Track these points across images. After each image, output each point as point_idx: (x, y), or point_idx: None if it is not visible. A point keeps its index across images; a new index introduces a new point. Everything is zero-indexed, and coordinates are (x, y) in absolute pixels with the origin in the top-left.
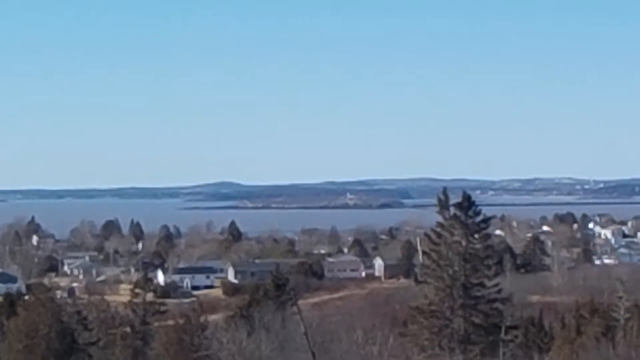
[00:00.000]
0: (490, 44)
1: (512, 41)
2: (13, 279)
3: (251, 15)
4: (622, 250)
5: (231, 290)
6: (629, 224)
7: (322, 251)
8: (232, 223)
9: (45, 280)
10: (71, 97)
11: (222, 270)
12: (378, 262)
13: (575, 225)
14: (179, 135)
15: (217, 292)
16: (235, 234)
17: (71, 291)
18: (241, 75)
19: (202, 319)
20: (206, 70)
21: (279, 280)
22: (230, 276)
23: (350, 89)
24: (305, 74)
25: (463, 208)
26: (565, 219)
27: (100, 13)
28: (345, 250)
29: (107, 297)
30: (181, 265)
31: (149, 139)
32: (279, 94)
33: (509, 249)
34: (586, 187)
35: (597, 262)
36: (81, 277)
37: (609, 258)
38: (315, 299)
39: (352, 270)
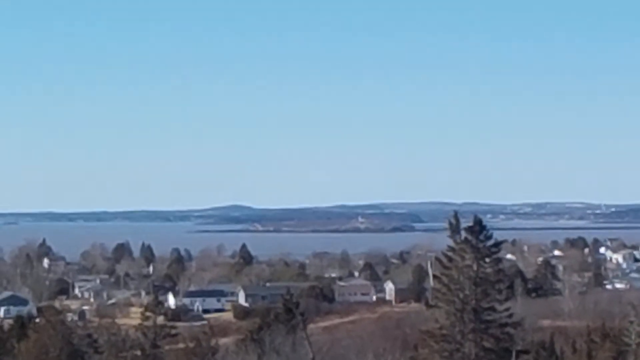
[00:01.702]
0: (501, 66)
1: (525, 64)
2: (24, 302)
3: (267, 32)
4: (634, 274)
5: (242, 313)
6: None
7: (333, 275)
8: (243, 246)
9: (56, 303)
10: (82, 119)
11: (232, 294)
12: (389, 286)
13: (586, 250)
14: (191, 158)
15: (228, 316)
16: (246, 257)
17: (82, 314)
18: (253, 98)
19: (212, 342)
20: (218, 93)
21: (289, 304)
22: (241, 299)
23: (360, 112)
24: (316, 98)
25: (474, 232)
26: (576, 244)
27: (111, 25)
28: (356, 274)
29: (118, 320)
30: (192, 289)
31: (160, 162)
32: (290, 117)
33: (520, 273)
34: (597, 211)
35: (609, 286)
36: (92, 300)
37: (621, 282)
38: (326, 323)
39: (363, 294)
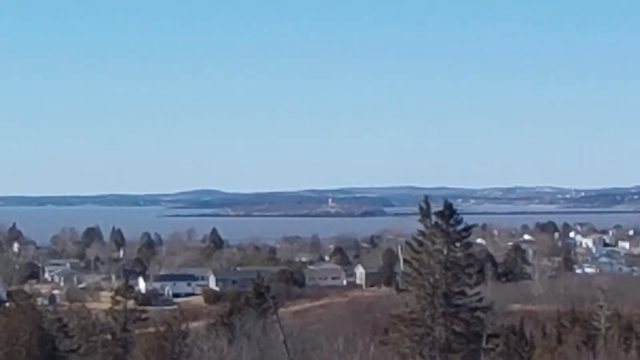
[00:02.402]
0: (472, 53)
1: (494, 50)
2: None
3: (232, 20)
4: (603, 259)
5: (212, 297)
6: (610, 232)
7: (304, 259)
8: (214, 231)
9: (26, 288)
10: (52, 103)
11: (203, 278)
12: (359, 270)
13: (556, 234)
14: (161, 143)
15: (199, 300)
16: (216, 242)
17: (52, 298)
18: (222, 83)
19: (183, 326)
20: (187, 77)
21: (260, 288)
22: (212, 284)
23: (330, 96)
24: (285, 81)
25: (444, 216)
26: (546, 228)
27: (77, 17)
28: (327, 258)
29: (88, 305)
30: (162, 273)
31: (131, 146)
32: (260, 102)
33: (490, 258)
34: (567, 196)
35: (578, 270)
36: (62, 284)
37: (590, 267)
38: (297, 307)
39: (334, 278)
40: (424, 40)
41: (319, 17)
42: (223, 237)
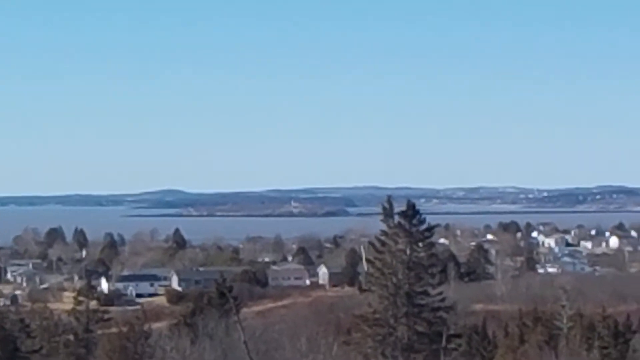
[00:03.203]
0: (433, 53)
1: (454, 50)
2: None
3: (193, 20)
4: (566, 258)
5: (175, 298)
6: (572, 232)
7: (267, 259)
8: (177, 231)
9: None
10: (13, 102)
11: (166, 278)
12: (322, 271)
13: (519, 234)
14: (124, 143)
15: (161, 300)
16: (179, 242)
17: (14, 299)
18: (185, 83)
19: (145, 326)
20: (150, 78)
21: (222, 288)
22: (175, 284)
23: (293, 96)
24: (248, 81)
25: (407, 216)
26: (509, 228)
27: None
28: (290, 258)
29: (51, 305)
30: (125, 273)
31: (94, 146)
32: (223, 102)
33: (453, 258)
34: (530, 196)
35: (541, 270)
36: (24, 284)
37: (553, 266)
38: (260, 307)
39: (297, 278)
40: (382, 39)
41: (283, 16)
42: (186, 237)
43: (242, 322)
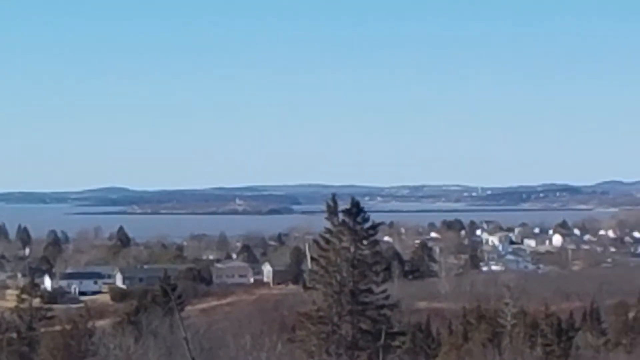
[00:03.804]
0: (382, 48)
1: (399, 49)
2: None
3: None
4: (509, 256)
5: (119, 295)
6: (516, 230)
7: (211, 257)
8: (121, 228)
9: None
10: None
11: (110, 276)
12: (267, 268)
13: (462, 232)
14: (67, 140)
15: (105, 298)
16: (123, 240)
17: None
18: (127, 81)
19: (89, 324)
20: (92, 76)
21: (166, 286)
22: (119, 282)
23: (238, 94)
24: (194, 79)
25: (351, 214)
26: (453, 226)
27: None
28: (234, 256)
29: None
30: (69, 271)
31: (37, 143)
32: (167, 99)
33: (397, 255)
34: (474, 194)
35: (485, 268)
36: None
37: (496, 264)
38: (204, 305)
39: (241, 276)
40: (327, 35)
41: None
42: (130, 235)
43: (186, 320)
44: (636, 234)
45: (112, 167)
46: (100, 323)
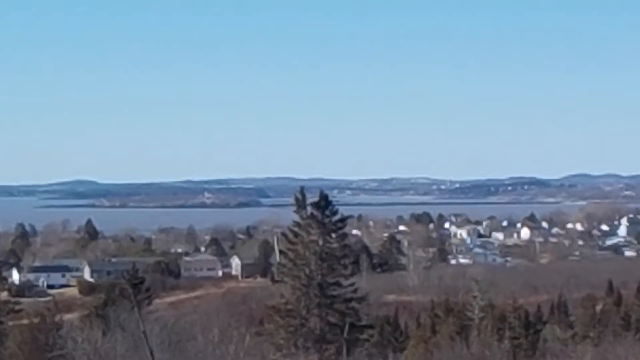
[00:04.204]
0: (342, 42)
1: (370, 44)
2: None
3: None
4: (477, 249)
5: (87, 289)
6: (484, 223)
7: (179, 250)
8: (89, 221)
9: None
10: None
11: (78, 269)
12: (235, 261)
13: (431, 225)
14: (35, 132)
15: (73, 291)
16: (91, 233)
17: None
18: (95, 74)
19: (57, 318)
20: (59, 70)
21: (135, 279)
22: (87, 275)
23: (207, 87)
24: (161, 71)
25: (320, 207)
26: (421, 219)
27: None
28: (203, 249)
29: None
30: (37, 264)
31: (4, 136)
32: (135, 92)
33: (366, 249)
34: (442, 187)
35: (453, 261)
36: None
37: (464, 257)
38: (172, 298)
39: (209, 269)
40: (295, 29)
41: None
42: (98, 228)
43: (154, 313)
44: (604, 227)
45: (81, 160)
46: (68, 316)
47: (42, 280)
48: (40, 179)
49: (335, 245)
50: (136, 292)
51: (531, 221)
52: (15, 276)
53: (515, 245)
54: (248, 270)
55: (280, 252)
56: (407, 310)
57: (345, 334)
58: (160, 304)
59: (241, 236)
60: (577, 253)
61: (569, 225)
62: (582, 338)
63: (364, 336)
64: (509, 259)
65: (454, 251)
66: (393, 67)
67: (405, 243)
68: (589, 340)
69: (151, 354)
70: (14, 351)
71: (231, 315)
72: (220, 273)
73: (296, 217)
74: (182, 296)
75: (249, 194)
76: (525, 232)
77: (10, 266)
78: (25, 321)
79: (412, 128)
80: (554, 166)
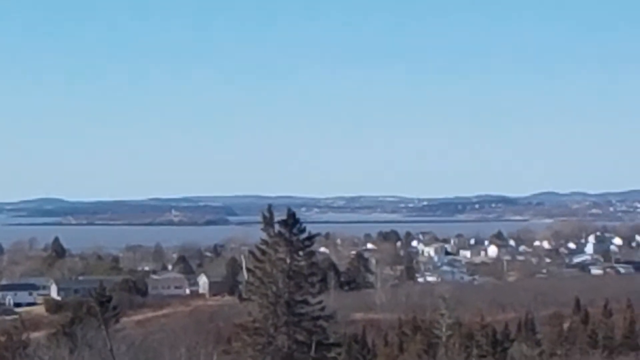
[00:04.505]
0: (317, 62)
1: (332, 58)
2: None
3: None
4: (445, 267)
5: (54, 307)
6: (452, 241)
7: (147, 268)
8: (56, 239)
9: None
10: None
11: (45, 287)
12: (202, 280)
13: (398, 243)
14: (1, 151)
15: (40, 310)
16: (58, 251)
17: None
18: (64, 90)
19: (24, 336)
20: (27, 84)
21: (102, 298)
22: (54, 293)
23: (171, 103)
24: (126, 87)
25: (288, 225)
26: (389, 237)
27: None
28: (170, 267)
29: None
30: (3, 282)
31: None
32: (101, 109)
33: (334, 266)
34: (410, 205)
35: (420, 279)
36: None
37: (432, 275)
38: (139, 317)
39: (177, 287)
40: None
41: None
42: (65, 246)
43: (122, 332)
44: (571, 245)
45: (47, 178)
46: (35, 335)
47: (9, 298)
48: (7, 197)
49: (302, 263)
50: (103, 310)
51: (498, 239)
52: None
53: (483, 263)
54: (215, 289)
55: (248, 270)
56: (374, 328)
57: (312, 353)
58: (128, 322)
59: (209, 254)
60: (544, 271)
61: (536, 243)
62: (550, 356)
63: (332, 354)
64: (476, 276)
65: (422, 269)
66: (360, 85)
67: (373, 261)
68: (556, 358)
69: None
70: None
71: (198, 333)
72: (187, 291)
73: (264, 235)
74: (150, 314)
75: (217, 212)
76: (492, 250)
77: None
78: None
79: (379, 146)
80: (521, 184)
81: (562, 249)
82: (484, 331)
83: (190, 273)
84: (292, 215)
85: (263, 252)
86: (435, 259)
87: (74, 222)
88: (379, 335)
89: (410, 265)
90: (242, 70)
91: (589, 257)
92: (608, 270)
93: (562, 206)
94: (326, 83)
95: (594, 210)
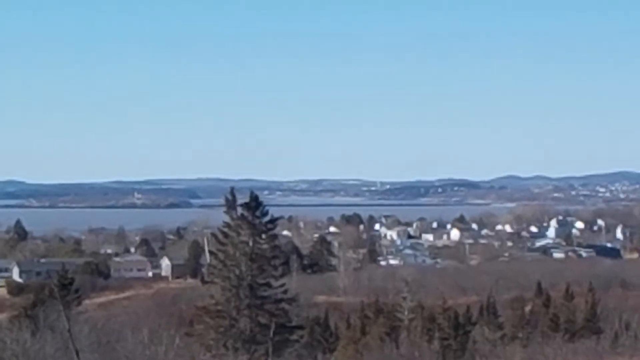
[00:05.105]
0: (283, 46)
1: (301, 42)
2: None
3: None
4: (407, 251)
5: (16, 289)
6: (414, 225)
7: (109, 251)
8: (18, 222)
9: None
10: None
11: (6, 270)
12: (165, 262)
13: (361, 226)
14: None
15: (2, 292)
16: (20, 233)
17: None
18: (27, 74)
19: None
20: None
21: (64, 280)
22: (15, 275)
23: (137, 86)
24: (96, 72)
25: (250, 208)
26: (351, 220)
27: None
28: (132, 250)
29: None
30: None
31: None
32: (64, 91)
33: (296, 250)
34: (373, 188)
35: (383, 262)
36: None
37: (394, 259)
38: (102, 299)
39: (139, 270)
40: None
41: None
42: (27, 228)
43: (84, 314)
44: (533, 229)
45: (9, 160)
46: None
47: None
48: None
49: (265, 246)
50: (65, 292)
51: (461, 222)
52: None
53: (445, 246)
54: (178, 271)
55: (211, 253)
56: (337, 311)
57: (272, 335)
58: (90, 304)
59: (171, 237)
60: (506, 254)
61: (499, 227)
62: (511, 339)
63: (294, 337)
64: (438, 260)
65: (384, 252)
66: (322, 69)
67: (336, 244)
68: (517, 341)
69: (77, 354)
70: None
71: (161, 316)
72: (150, 274)
73: (226, 218)
74: (112, 297)
75: (180, 195)
76: (454, 234)
77: None
78: None
79: (341, 130)
80: (483, 168)
81: (524, 233)
82: (446, 314)
83: (152, 256)
84: (254, 198)
85: (226, 235)
86: (398, 242)
87: (36, 204)
88: (341, 318)
89: (372, 249)
90: (203, 53)
91: (550, 241)
92: (570, 254)
93: (524, 190)
94: (288, 67)
95: (556, 194)
